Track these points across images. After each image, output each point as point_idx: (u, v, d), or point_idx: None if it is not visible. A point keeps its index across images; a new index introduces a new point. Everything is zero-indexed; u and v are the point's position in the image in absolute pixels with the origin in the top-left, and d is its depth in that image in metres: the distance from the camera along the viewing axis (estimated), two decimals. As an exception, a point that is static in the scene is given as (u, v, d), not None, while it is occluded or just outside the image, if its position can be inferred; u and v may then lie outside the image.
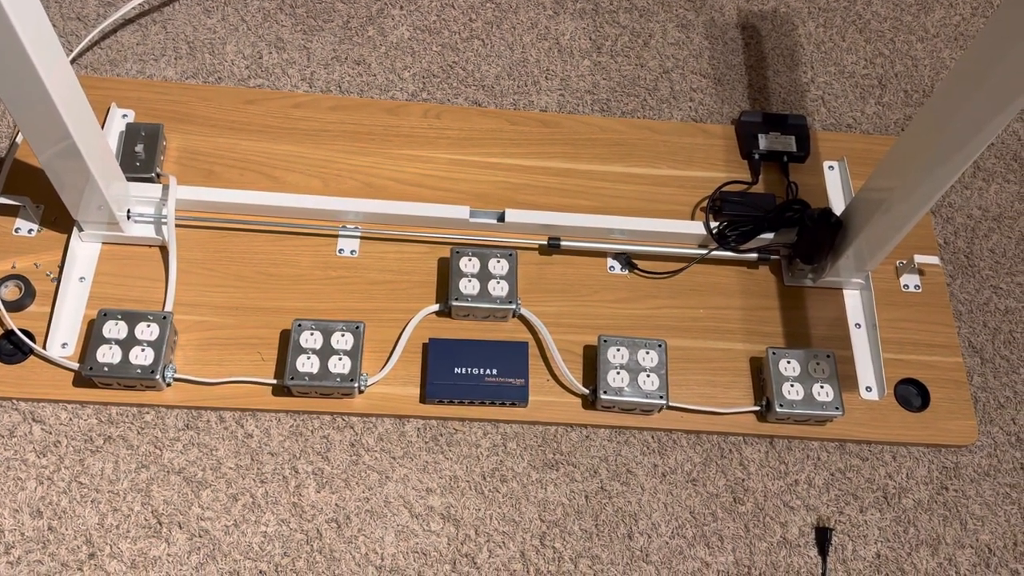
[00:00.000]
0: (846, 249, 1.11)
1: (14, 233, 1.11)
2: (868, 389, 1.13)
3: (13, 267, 1.09)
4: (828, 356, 1.09)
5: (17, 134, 1.16)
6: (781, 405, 1.06)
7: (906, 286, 1.21)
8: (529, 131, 1.28)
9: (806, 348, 1.12)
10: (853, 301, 1.19)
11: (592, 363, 1.09)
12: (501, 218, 1.16)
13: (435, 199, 1.19)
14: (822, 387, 1.07)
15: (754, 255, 1.19)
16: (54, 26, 0.85)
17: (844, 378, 1.12)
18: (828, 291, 1.19)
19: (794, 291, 1.19)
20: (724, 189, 1.23)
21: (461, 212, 1.16)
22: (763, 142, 1.28)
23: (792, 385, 1.07)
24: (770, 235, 1.16)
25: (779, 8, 1.46)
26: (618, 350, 1.07)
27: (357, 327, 1.05)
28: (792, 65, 1.40)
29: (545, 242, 1.18)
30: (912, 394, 1.14)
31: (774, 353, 1.09)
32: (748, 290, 1.19)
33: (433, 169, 1.23)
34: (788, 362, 1.09)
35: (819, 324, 1.17)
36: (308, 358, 1.02)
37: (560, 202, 1.22)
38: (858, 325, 1.17)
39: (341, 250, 1.15)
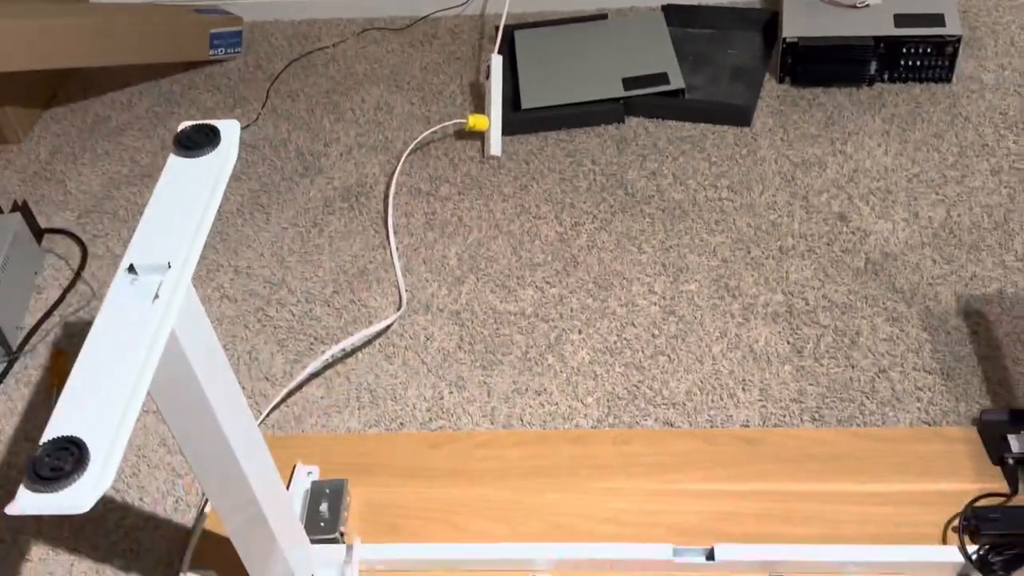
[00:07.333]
0: None
1: (198, 608, 1.08)
2: None
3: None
4: None
5: (205, 504, 1.17)
6: None
7: None
8: (731, 451, 1.16)
9: None
10: None
11: None
12: (710, 555, 1.03)
13: (633, 536, 1.07)
14: None
15: (1036, 588, 0.97)
16: (243, 387, 0.85)
17: None
18: None
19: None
20: (977, 504, 1.04)
21: (664, 551, 1.03)
22: (1016, 444, 1.09)
23: None
24: (1053, 561, 0.95)
25: (1004, 288, 1.31)
26: None
27: None
28: (1032, 350, 1.23)
29: (768, 585, 1.01)
30: None
31: None
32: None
33: (628, 502, 1.12)
34: None
35: None
36: None
37: (778, 532, 1.06)
38: None
39: (532, 606, 1.03)
